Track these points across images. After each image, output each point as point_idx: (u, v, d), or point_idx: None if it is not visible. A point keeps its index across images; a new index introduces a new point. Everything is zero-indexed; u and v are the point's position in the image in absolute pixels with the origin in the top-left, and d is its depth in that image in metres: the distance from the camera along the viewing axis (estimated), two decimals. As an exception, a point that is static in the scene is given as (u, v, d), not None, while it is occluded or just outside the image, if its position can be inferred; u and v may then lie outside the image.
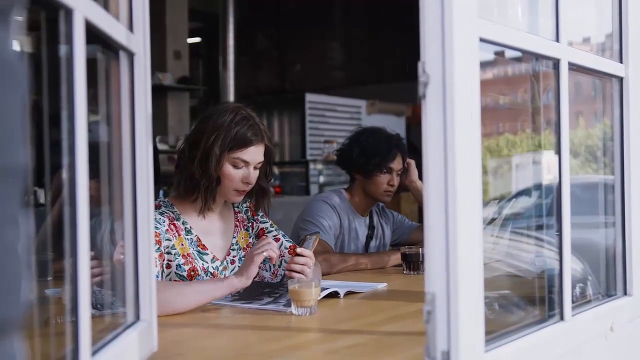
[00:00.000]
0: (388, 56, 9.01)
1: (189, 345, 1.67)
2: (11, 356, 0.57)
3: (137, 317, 1.39)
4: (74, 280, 1.02)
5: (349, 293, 2.21)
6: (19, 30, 0.60)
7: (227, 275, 2.27)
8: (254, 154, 2.22)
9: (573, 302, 1.57)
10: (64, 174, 1.02)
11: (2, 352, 0.56)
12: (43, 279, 1.67)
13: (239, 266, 2.31)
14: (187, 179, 2.22)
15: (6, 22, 0.56)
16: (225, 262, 2.31)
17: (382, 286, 2.37)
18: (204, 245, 2.26)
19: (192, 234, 2.25)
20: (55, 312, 1.42)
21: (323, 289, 2.06)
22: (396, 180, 3.05)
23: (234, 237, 2.37)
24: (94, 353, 1.10)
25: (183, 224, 2.25)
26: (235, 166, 2.21)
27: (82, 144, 1.03)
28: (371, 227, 3.18)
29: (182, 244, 2.21)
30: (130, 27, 1.37)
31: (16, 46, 0.59)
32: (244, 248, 2.38)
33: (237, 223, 2.40)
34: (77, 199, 1.02)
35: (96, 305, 1.36)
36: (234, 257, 2.35)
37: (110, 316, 1.48)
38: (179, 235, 2.21)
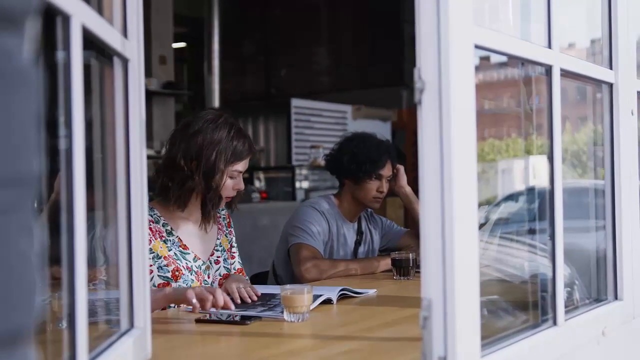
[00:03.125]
0: (374, 61, 9.04)
1: (183, 352, 1.66)
2: None
3: (132, 325, 1.38)
4: (71, 288, 1.02)
5: (342, 297, 2.21)
6: (31, 39, 0.59)
7: (211, 275, 2.37)
8: (246, 163, 2.36)
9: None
10: (62, 181, 1.02)
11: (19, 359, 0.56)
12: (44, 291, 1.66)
13: (224, 266, 2.42)
14: (187, 193, 2.28)
15: (20, 31, 0.56)
16: (208, 262, 2.38)
17: (372, 292, 2.38)
18: (185, 245, 2.32)
19: (173, 235, 2.31)
20: (47, 319, 1.41)
21: (316, 296, 2.06)
22: (385, 187, 3.05)
23: (218, 239, 2.45)
24: (90, 361, 1.10)
25: (163, 226, 2.30)
26: (231, 177, 2.32)
27: (79, 150, 1.02)
28: (360, 233, 3.18)
29: (162, 247, 2.26)
30: (125, 34, 1.36)
31: (29, 54, 0.58)
32: (227, 250, 2.47)
33: (220, 226, 2.49)
34: (74, 206, 1.02)
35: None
36: (218, 257, 2.43)
37: (102, 323, 1.47)
38: (156, 239, 2.26)
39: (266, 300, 2.16)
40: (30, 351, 0.58)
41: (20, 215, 0.56)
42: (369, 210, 3.23)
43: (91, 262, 1.52)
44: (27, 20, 0.58)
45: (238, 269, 2.48)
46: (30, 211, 0.58)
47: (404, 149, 7.52)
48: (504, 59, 1.60)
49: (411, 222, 3.48)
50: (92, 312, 1.43)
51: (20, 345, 0.56)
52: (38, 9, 0.60)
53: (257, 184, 7.41)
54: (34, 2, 0.59)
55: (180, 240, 2.31)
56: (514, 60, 1.62)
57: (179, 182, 2.26)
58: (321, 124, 8.23)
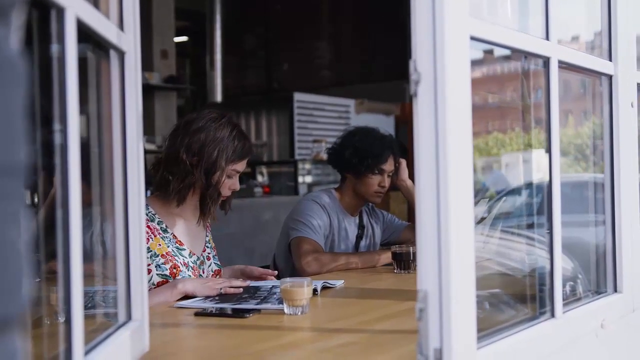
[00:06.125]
0: (376, 55, 9.04)
1: (181, 345, 1.66)
2: (13, 352, 0.57)
3: (129, 317, 1.39)
4: (66, 281, 1.02)
5: (324, 288, 2.26)
6: (18, 29, 0.60)
7: (205, 270, 2.42)
8: (245, 164, 2.40)
9: (563, 299, 1.58)
10: (56, 175, 1.02)
11: (4, 348, 0.56)
12: (33, 280, 1.66)
13: (214, 263, 2.48)
14: (186, 187, 2.31)
15: (6, 21, 0.56)
16: (202, 257, 2.43)
17: (339, 283, 2.40)
18: (180, 241, 2.36)
19: (168, 232, 2.34)
20: (44, 313, 1.41)
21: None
22: (387, 182, 3.05)
23: (207, 236, 2.50)
24: (86, 353, 1.10)
25: (158, 223, 2.33)
26: (229, 176, 2.35)
27: (74, 144, 1.03)
28: (361, 227, 3.18)
29: (160, 244, 2.29)
30: (121, 26, 1.36)
31: (16, 45, 0.59)
32: (213, 248, 2.52)
33: (208, 224, 2.53)
34: (69, 200, 1.02)
35: (86, 305, 1.36)
36: (208, 254, 2.48)
37: (100, 316, 1.47)
38: (155, 236, 2.29)
39: (253, 293, 2.16)
40: (17, 339, 0.58)
41: (7, 205, 0.57)
42: (370, 204, 3.23)
43: (93, 258, 1.53)
44: (13, 11, 0.58)
45: (215, 270, 2.49)
46: (18, 201, 0.58)
47: (407, 143, 7.51)
48: (507, 52, 1.59)
49: (413, 216, 3.47)
50: (92, 305, 1.43)
51: (7, 333, 0.56)
52: (24, 0, 0.60)
53: (259, 178, 7.41)
54: None
55: (175, 237, 2.35)
56: (516, 53, 1.61)
57: (180, 177, 2.29)
58: (324, 118, 8.23)
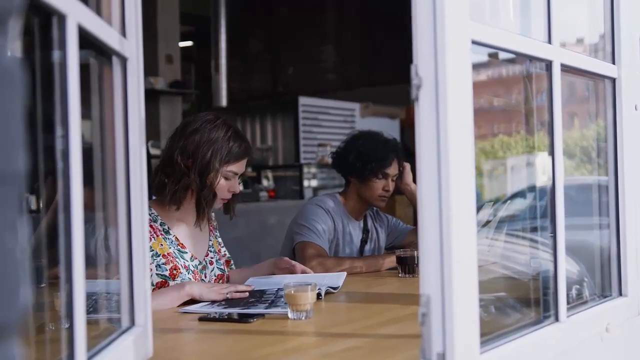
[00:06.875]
0: (381, 59, 9.03)
1: (184, 350, 1.66)
2: (11, 359, 0.57)
3: (132, 323, 1.39)
4: (69, 287, 1.02)
5: (328, 293, 2.26)
6: (16, 37, 0.60)
7: (207, 274, 2.42)
8: (243, 165, 2.39)
9: (569, 303, 1.57)
10: (59, 181, 1.02)
11: (3, 355, 0.57)
12: (37, 286, 1.66)
13: (217, 267, 2.47)
14: (182, 189, 2.31)
15: (4, 29, 0.57)
16: (204, 262, 2.42)
17: (342, 277, 2.42)
18: (182, 244, 2.36)
19: (170, 234, 2.34)
20: (48, 318, 1.41)
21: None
22: (391, 186, 3.05)
23: (210, 240, 2.49)
24: (89, 358, 1.10)
25: (161, 225, 2.34)
26: (226, 178, 2.35)
27: (76, 150, 1.03)
28: (365, 231, 3.17)
29: (162, 245, 2.30)
30: (123, 32, 1.36)
31: (14, 52, 0.59)
32: (217, 252, 2.51)
33: (211, 228, 2.53)
34: (71, 205, 1.02)
35: (89, 309, 1.36)
36: (211, 258, 2.48)
37: (104, 321, 1.47)
38: (157, 236, 2.30)
39: (259, 297, 2.16)
40: (14, 346, 0.58)
41: (5, 212, 0.57)
42: (375, 208, 3.23)
43: (97, 263, 1.53)
44: (10, 19, 0.58)
45: (219, 274, 2.49)
46: (15, 208, 0.59)
47: (412, 146, 7.49)
48: (512, 55, 1.59)
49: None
50: (94, 309, 1.44)
51: (5, 340, 0.57)
52: (21, 9, 0.60)
53: (265, 182, 7.41)
54: (17, 2, 0.59)
55: (177, 239, 2.35)
56: (519, 56, 1.61)
57: (175, 179, 2.29)
58: (329, 122, 8.23)
